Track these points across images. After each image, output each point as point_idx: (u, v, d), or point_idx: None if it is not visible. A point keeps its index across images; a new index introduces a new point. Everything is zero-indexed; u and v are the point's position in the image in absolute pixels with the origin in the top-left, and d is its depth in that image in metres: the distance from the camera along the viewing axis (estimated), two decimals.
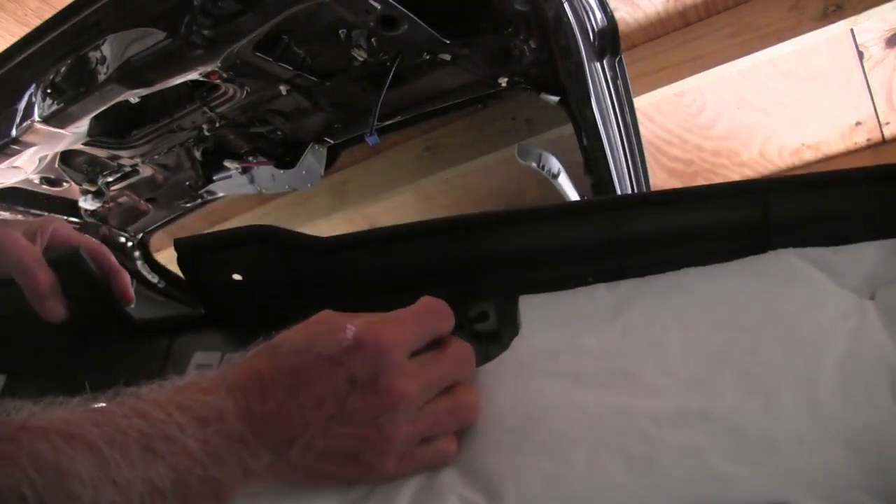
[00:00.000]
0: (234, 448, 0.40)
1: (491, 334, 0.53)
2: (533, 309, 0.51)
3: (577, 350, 0.48)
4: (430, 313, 0.47)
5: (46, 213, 1.28)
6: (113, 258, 0.64)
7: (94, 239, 0.66)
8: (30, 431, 0.36)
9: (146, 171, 1.21)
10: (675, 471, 0.40)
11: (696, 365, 0.45)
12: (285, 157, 1.24)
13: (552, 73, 0.96)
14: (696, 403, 0.43)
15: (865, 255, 0.48)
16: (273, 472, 0.42)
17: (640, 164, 1.09)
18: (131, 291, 0.65)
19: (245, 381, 0.43)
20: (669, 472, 0.40)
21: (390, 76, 0.96)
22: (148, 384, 0.42)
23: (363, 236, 0.57)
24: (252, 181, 1.29)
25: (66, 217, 1.31)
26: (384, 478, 0.44)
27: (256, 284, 0.58)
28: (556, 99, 1.00)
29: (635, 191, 1.11)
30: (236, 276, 0.58)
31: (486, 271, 0.55)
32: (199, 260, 0.58)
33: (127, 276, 0.65)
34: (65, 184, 1.19)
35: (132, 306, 0.65)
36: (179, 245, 0.57)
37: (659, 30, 1.67)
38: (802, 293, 0.46)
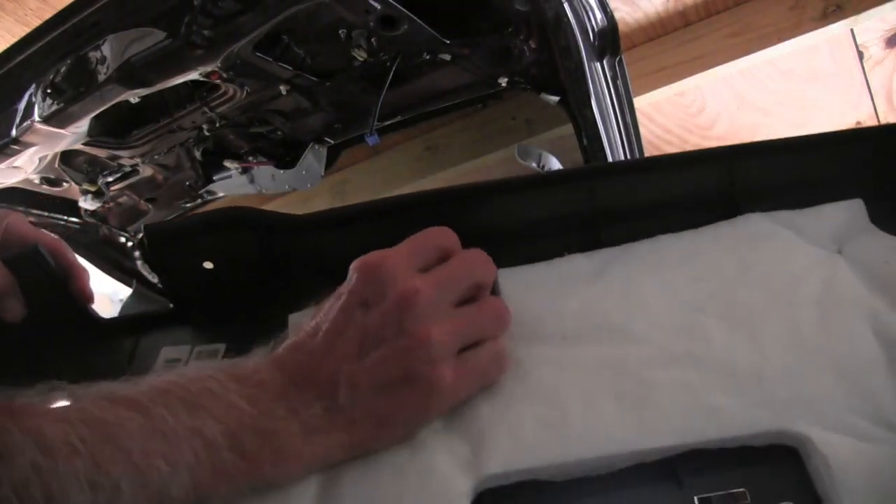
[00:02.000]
0: (281, 401, 0.40)
1: None
2: (512, 280, 0.51)
3: (560, 313, 0.48)
4: (427, 234, 0.47)
5: (46, 213, 1.29)
6: (72, 254, 0.62)
7: (51, 234, 0.64)
8: (77, 397, 0.37)
9: (146, 171, 1.21)
10: (668, 406, 0.41)
11: (679, 313, 0.46)
12: (285, 157, 1.24)
13: (552, 73, 0.96)
14: (684, 346, 0.44)
15: (830, 215, 0.50)
16: (335, 428, 0.40)
17: None
18: (90, 289, 0.63)
19: (273, 350, 0.44)
20: (663, 407, 0.41)
21: (390, 76, 0.96)
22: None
23: (338, 212, 0.56)
24: (252, 181, 1.29)
25: (65, 217, 1.31)
26: (446, 391, 0.40)
27: (229, 271, 0.57)
28: (556, 99, 1.00)
29: None
30: (207, 265, 0.56)
31: (463, 246, 0.56)
32: (169, 249, 0.56)
33: (86, 274, 0.63)
34: (65, 184, 1.19)
35: (93, 305, 0.63)
36: (148, 233, 0.56)
37: (659, 30, 1.67)
38: (774, 248, 0.48)
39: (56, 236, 0.63)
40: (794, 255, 0.48)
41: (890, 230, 0.48)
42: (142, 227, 0.56)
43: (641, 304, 0.47)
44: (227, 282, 0.58)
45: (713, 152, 0.53)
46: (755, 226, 0.50)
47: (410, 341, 0.40)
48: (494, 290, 0.51)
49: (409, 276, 0.42)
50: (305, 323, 0.45)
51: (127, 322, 0.65)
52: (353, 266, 0.44)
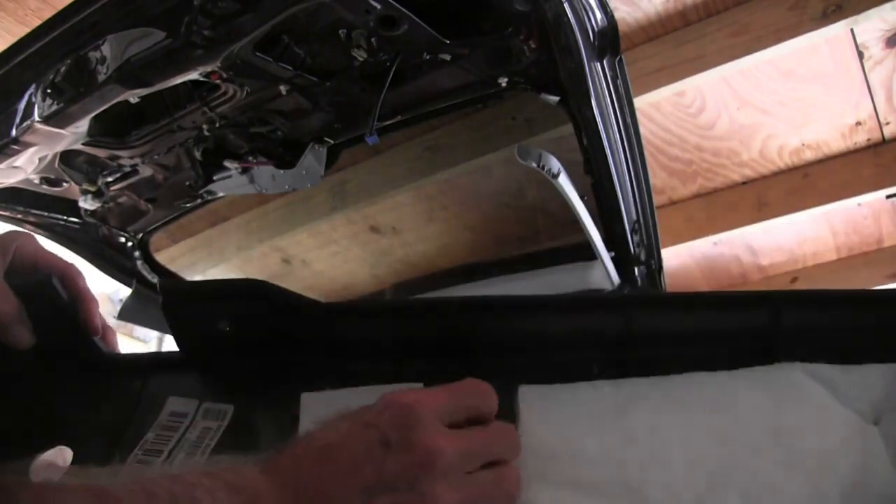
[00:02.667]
0: None
1: None
2: (532, 401, 0.50)
3: (576, 454, 0.46)
4: (469, 388, 0.45)
5: (46, 213, 1.28)
6: (83, 282, 0.61)
7: (64, 259, 0.62)
8: (60, 487, 0.35)
9: (146, 171, 1.21)
10: None
11: (699, 482, 0.44)
12: (285, 157, 1.24)
13: (552, 73, 0.96)
14: None
15: (872, 378, 0.47)
16: None
17: (640, 164, 1.09)
18: (97, 321, 0.61)
19: (278, 459, 0.42)
20: None
21: (390, 76, 0.96)
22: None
23: (362, 306, 0.57)
24: (252, 181, 1.29)
25: (65, 217, 1.31)
26: None
27: (243, 338, 0.57)
28: (556, 99, 1.00)
29: (636, 191, 1.11)
30: (223, 327, 0.56)
31: (489, 352, 0.54)
32: (185, 307, 0.56)
33: (95, 304, 0.61)
34: (65, 184, 1.19)
35: (98, 336, 0.62)
36: (164, 289, 0.55)
37: (659, 30, 1.67)
38: (807, 411, 0.46)
39: (69, 262, 0.62)
40: (826, 424, 0.45)
41: None
42: (158, 284, 0.56)
43: (663, 463, 0.45)
44: (240, 347, 0.57)
45: (762, 296, 0.51)
46: (791, 379, 0.47)
47: (419, 499, 0.39)
48: (512, 409, 0.50)
49: (438, 433, 0.41)
50: (316, 434, 0.43)
51: (135, 360, 0.64)
52: (384, 400, 0.43)
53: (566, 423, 0.48)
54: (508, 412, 0.50)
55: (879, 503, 0.42)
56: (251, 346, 0.57)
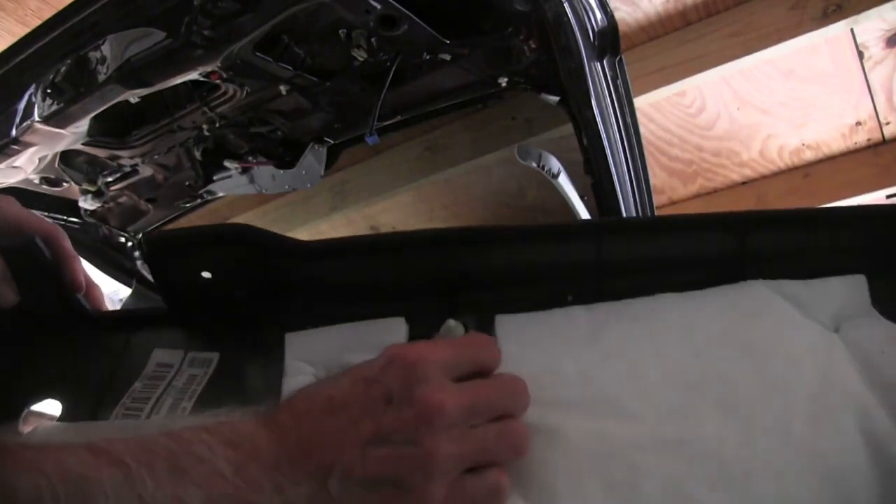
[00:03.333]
0: (269, 474, 0.38)
1: None
2: (510, 330, 0.50)
3: (555, 376, 0.47)
4: (472, 341, 0.46)
5: (46, 213, 1.28)
6: (66, 242, 0.61)
7: (47, 220, 0.62)
8: (57, 444, 0.35)
9: (146, 171, 1.21)
10: (654, 497, 0.41)
11: (674, 393, 0.45)
12: (285, 157, 1.24)
13: (552, 73, 0.96)
14: (675, 431, 0.44)
15: (832, 290, 0.49)
16: None
17: (640, 164, 1.09)
18: (81, 278, 0.62)
19: (278, 413, 0.42)
20: (649, 498, 0.41)
21: (390, 76, 0.96)
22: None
23: (342, 243, 0.56)
24: (252, 181, 1.29)
25: (65, 217, 1.31)
26: None
27: (226, 284, 0.57)
28: (556, 99, 1.00)
29: (636, 191, 1.11)
30: (205, 275, 0.56)
31: (466, 286, 0.54)
32: (169, 257, 0.56)
33: (79, 263, 0.62)
34: (65, 184, 1.19)
35: (82, 294, 0.62)
36: (148, 241, 0.56)
37: (659, 30, 1.67)
38: (773, 325, 0.48)
39: (52, 222, 0.62)
40: (792, 336, 0.48)
41: (888, 308, 0.49)
42: (141, 232, 0.56)
43: (638, 377, 0.47)
44: (224, 293, 0.57)
45: (727, 218, 0.53)
46: (758, 295, 0.49)
47: (416, 451, 0.39)
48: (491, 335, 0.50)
49: (441, 387, 0.41)
50: (317, 389, 0.43)
51: (119, 317, 0.64)
52: (388, 354, 0.43)
53: (543, 347, 0.49)
54: None
55: (842, 399, 0.44)
56: (234, 292, 0.57)
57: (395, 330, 0.52)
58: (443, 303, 0.53)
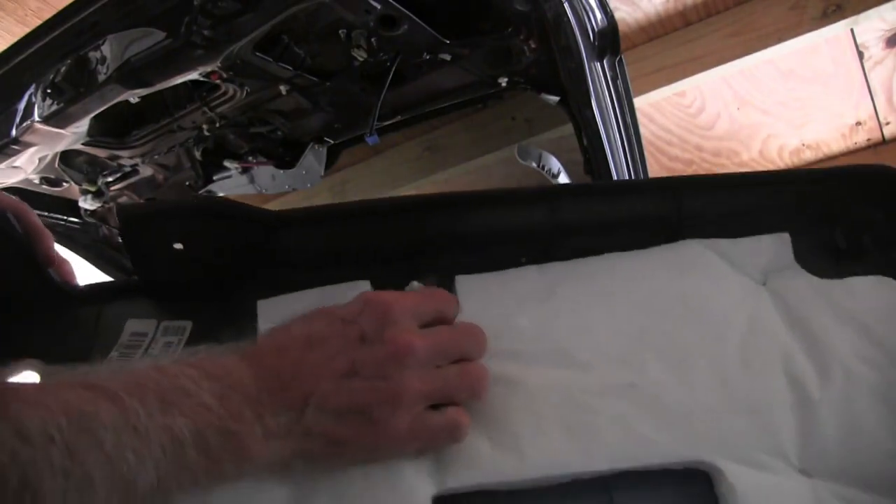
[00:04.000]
0: (251, 405, 0.41)
1: None
2: (470, 289, 0.54)
3: (513, 330, 0.52)
4: (435, 293, 0.51)
5: (46, 213, 1.29)
6: (35, 217, 0.61)
7: (12, 197, 0.62)
8: (57, 383, 0.38)
9: (146, 171, 1.21)
10: (607, 436, 0.46)
11: (621, 344, 0.50)
12: (285, 157, 1.25)
13: (552, 73, 0.96)
14: (623, 377, 0.49)
15: (759, 247, 0.55)
16: (292, 437, 0.42)
17: (640, 164, 1.09)
18: (53, 253, 0.62)
19: (257, 347, 0.45)
20: (603, 437, 0.46)
21: (390, 76, 0.96)
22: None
23: (309, 212, 0.58)
24: (252, 181, 1.29)
25: (65, 217, 1.31)
26: (397, 439, 0.44)
27: (198, 255, 0.58)
28: (556, 99, 1.00)
29: None
30: (177, 246, 0.57)
31: (426, 251, 0.58)
32: (142, 228, 0.57)
33: (50, 237, 0.62)
34: (65, 184, 1.19)
35: (53, 268, 0.62)
36: (121, 213, 0.56)
37: (659, 30, 1.67)
38: (707, 280, 0.54)
39: (18, 199, 0.62)
40: (724, 287, 0.53)
41: (809, 262, 0.55)
42: (115, 208, 0.56)
43: (588, 330, 0.51)
44: (195, 264, 0.59)
45: (662, 182, 0.58)
46: (693, 253, 0.55)
47: (387, 385, 0.43)
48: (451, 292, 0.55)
49: (410, 330, 0.45)
50: (295, 326, 0.46)
51: (91, 290, 0.64)
52: (363, 298, 0.47)
53: (500, 304, 0.53)
54: None
55: (769, 344, 0.50)
56: (206, 263, 0.58)
57: (361, 290, 0.55)
58: (406, 266, 0.57)
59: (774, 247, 0.55)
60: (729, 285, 0.53)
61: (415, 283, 0.54)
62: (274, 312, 0.54)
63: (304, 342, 0.44)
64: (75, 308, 0.62)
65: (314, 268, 0.58)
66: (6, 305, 0.61)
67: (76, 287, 0.63)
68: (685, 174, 2.01)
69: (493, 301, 0.53)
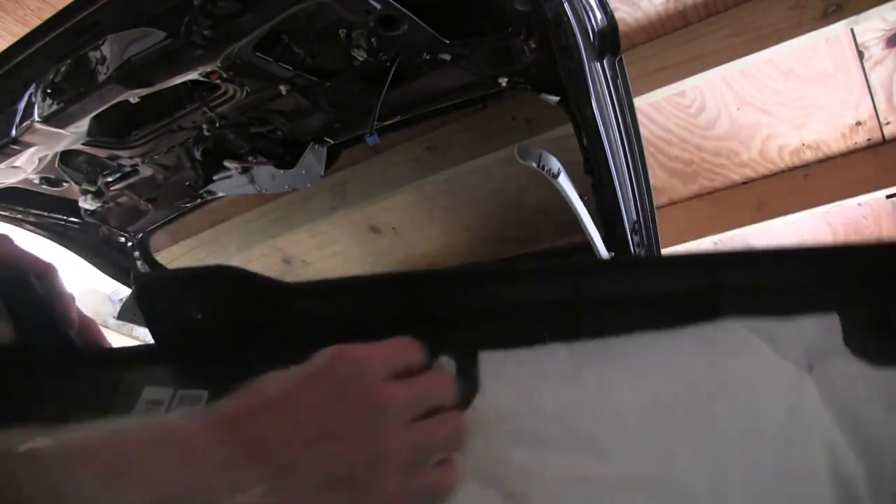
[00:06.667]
0: (222, 473, 0.39)
1: None
2: (492, 366, 0.52)
3: (535, 411, 0.49)
4: (401, 343, 0.48)
5: (46, 213, 1.29)
6: (59, 280, 0.62)
7: (40, 258, 0.63)
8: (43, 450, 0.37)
9: (146, 171, 1.21)
10: None
11: (650, 433, 0.47)
12: (285, 157, 1.24)
13: (552, 73, 0.96)
14: (650, 470, 0.45)
15: (805, 329, 0.50)
16: None
17: (640, 164, 1.09)
18: (73, 315, 0.62)
19: (226, 411, 0.42)
20: None
21: (390, 76, 0.96)
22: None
23: (327, 286, 0.58)
24: (252, 181, 1.29)
25: (65, 217, 1.31)
26: (386, 499, 0.41)
27: (215, 323, 0.58)
28: (556, 99, 1.00)
29: (636, 191, 1.11)
30: (195, 315, 0.57)
31: (446, 323, 0.55)
32: (160, 297, 0.57)
33: (72, 299, 0.62)
34: (65, 184, 1.19)
35: (73, 331, 0.62)
36: (137, 282, 0.57)
37: (659, 30, 1.67)
38: (748, 366, 0.49)
39: (45, 260, 0.62)
40: (766, 375, 0.49)
41: (861, 347, 0.49)
42: (132, 276, 0.56)
43: (614, 416, 0.48)
44: (213, 333, 0.58)
45: (699, 259, 0.55)
46: (733, 335, 0.51)
47: (367, 447, 0.41)
48: (473, 376, 0.52)
49: (384, 384, 0.43)
50: (265, 386, 0.44)
51: (111, 354, 0.64)
52: (332, 352, 0.44)
53: (524, 384, 0.51)
54: (469, 378, 0.52)
55: (813, 439, 0.45)
56: (223, 331, 0.58)
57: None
58: (427, 338, 0.54)
59: (821, 329, 0.50)
60: (771, 373, 0.49)
61: (441, 361, 0.52)
62: None
63: (276, 405, 0.42)
64: (96, 371, 0.62)
65: (333, 338, 0.57)
66: (28, 367, 0.61)
67: (98, 349, 0.63)
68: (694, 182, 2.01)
69: (516, 380, 0.51)
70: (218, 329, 0.58)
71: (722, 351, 0.50)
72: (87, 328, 0.64)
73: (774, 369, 0.49)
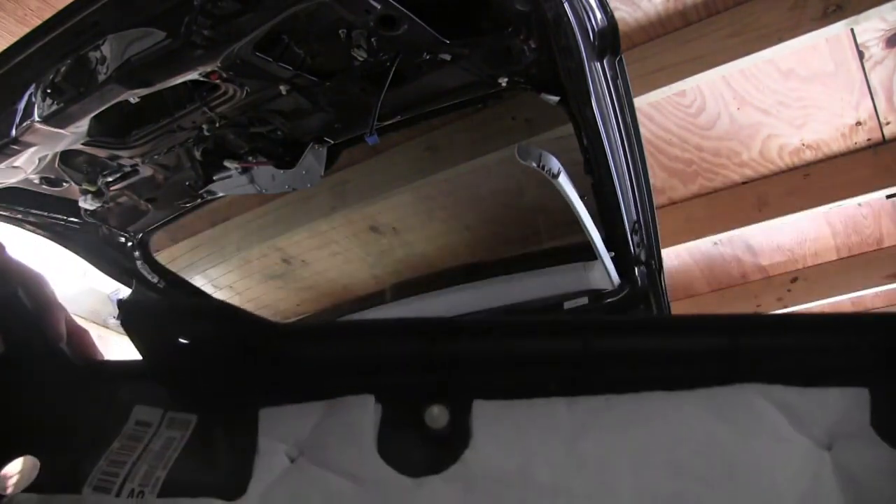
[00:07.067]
0: None
1: (441, 438, 0.50)
2: (487, 417, 0.49)
3: (527, 479, 0.46)
4: None
5: (46, 213, 1.28)
6: (51, 291, 0.60)
7: (31, 268, 0.62)
8: None
9: (146, 171, 1.21)
10: None
11: None
12: (285, 157, 1.24)
13: (552, 73, 0.96)
14: None
15: (830, 402, 0.46)
16: None
17: (640, 164, 1.09)
18: (62, 328, 0.61)
19: None
20: None
21: (390, 76, 0.96)
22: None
23: (319, 329, 0.58)
24: (252, 181, 1.29)
25: (65, 217, 1.31)
26: None
27: (204, 352, 0.57)
28: (556, 99, 1.00)
29: (636, 191, 1.11)
30: (182, 341, 0.57)
31: (441, 368, 0.53)
32: (145, 325, 0.57)
33: (61, 312, 0.61)
34: (65, 184, 1.19)
35: (64, 342, 0.62)
36: (122, 308, 0.56)
37: (659, 30, 1.67)
38: (763, 442, 0.45)
39: (36, 271, 0.61)
40: (780, 457, 0.45)
41: (889, 429, 0.45)
42: (116, 301, 0.56)
43: (612, 494, 0.45)
44: (201, 359, 0.58)
45: (720, 321, 0.51)
46: (749, 404, 0.47)
47: None
48: (467, 425, 0.49)
49: None
50: None
51: (105, 368, 0.64)
52: None
53: (519, 445, 0.47)
54: (462, 429, 0.50)
55: None
56: (212, 360, 0.57)
57: (364, 407, 0.52)
58: (418, 382, 0.52)
59: (848, 404, 0.46)
60: (786, 449, 0.45)
61: (435, 409, 0.50)
62: (275, 423, 0.52)
63: None
64: (86, 385, 0.61)
65: (323, 378, 0.56)
66: (21, 380, 0.60)
67: (89, 363, 0.63)
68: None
69: (510, 438, 0.48)
70: (207, 356, 0.57)
71: (734, 420, 0.46)
72: (79, 339, 0.63)
73: (789, 448, 0.45)
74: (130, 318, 0.56)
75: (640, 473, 0.45)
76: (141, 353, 0.59)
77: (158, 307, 0.58)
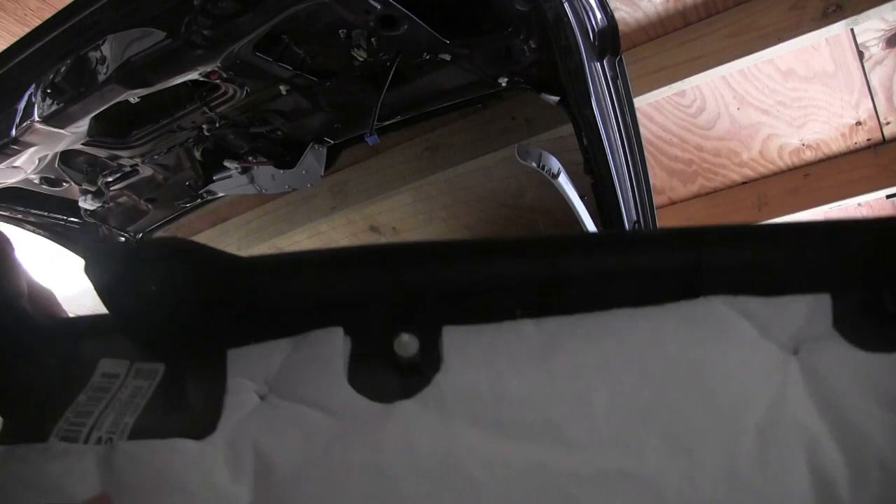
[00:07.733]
0: None
1: (412, 366, 0.50)
2: (457, 342, 0.49)
3: (500, 394, 0.46)
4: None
5: (46, 213, 1.28)
6: (10, 248, 0.59)
7: None
8: None
9: (146, 171, 1.21)
10: None
11: (620, 422, 0.44)
12: (285, 157, 1.25)
13: (552, 73, 0.96)
14: (617, 462, 0.43)
15: (794, 309, 0.47)
16: None
17: (640, 164, 1.09)
18: (21, 283, 0.60)
19: None
20: None
21: (390, 76, 0.96)
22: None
23: (285, 258, 0.56)
24: (252, 181, 1.29)
25: (65, 217, 1.31)
26: None
27: (169, 298, 0.56)
28: (556, 99, 1.00)
29: (636, 191, 1.11)
30: (147, 288, 0.56)
31: (411, 299, 0.53)
32: (110, 271, 0.56)
33: (19, 268, 0.60)
34: (65, 184, 1.19)
35: (24, 298, 0.60)
36: (87, 254, 0.55)
37: (659, 30, 1.67)
38: (730, 346, 0.46)
39: None
40: (748, 357, 0.46)
41: (850, 330, 0.46)
42: (83, 246, 0.54)
43: (584, 402, 0.45)
44: (167, 305, 0.56)
45: (683, 233, 0.52)
46: (716, 314, 0.47)
47: None
48: (437, 351, 0.49)
49: None
50: None
51: (66, 323, 0.62)
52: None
53: (489, 365, 0.47)
54: (433, 354, 0.49)
55: (792, 429, 0.43)
56: (179, 304, 0.56)
57: (333, 339, 0.51)
58: (386, 313, 0.52)
59: (810, 309, 0.47)
60: (754, 355, 0.46)
61: (404, 337, 0.49)
62: (243, 363, 0.52)
63: None
64: (49, 342, 0.60)
65: (291, 313, 0.54)
66: None
67: (51, 320, 0.61)
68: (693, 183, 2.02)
69: (481, 359, 0.48)
70: (173, 303, 0.56)
71: (702, 331, 0.47)
72: (41, 296, 0.62)
73: (757, 351, 0.46)
74: (94, 265, 0.55)
75: (613, 382, 0.45)
76: (105, 302, 0.59)
77: (117, 250, 0.56)
